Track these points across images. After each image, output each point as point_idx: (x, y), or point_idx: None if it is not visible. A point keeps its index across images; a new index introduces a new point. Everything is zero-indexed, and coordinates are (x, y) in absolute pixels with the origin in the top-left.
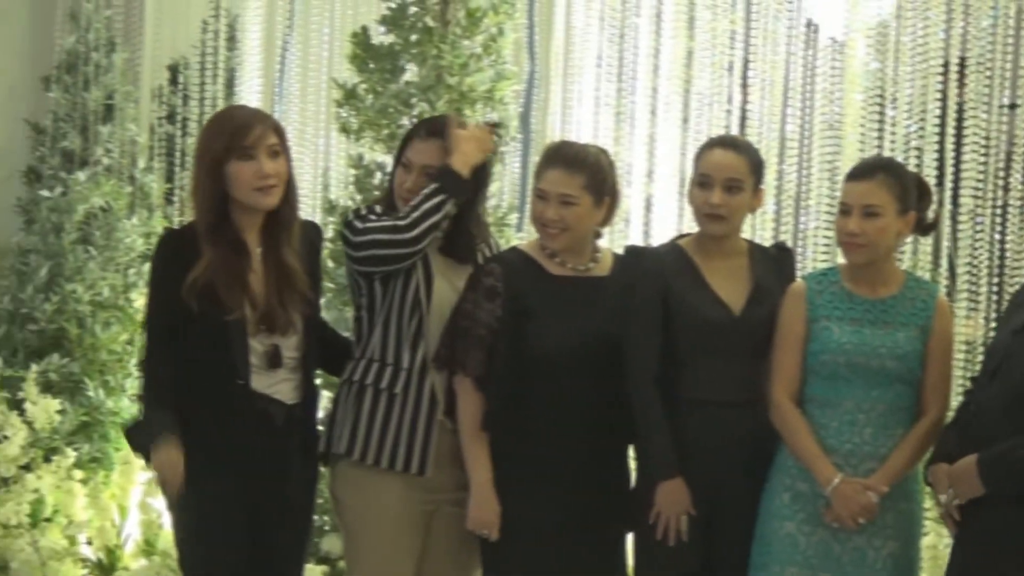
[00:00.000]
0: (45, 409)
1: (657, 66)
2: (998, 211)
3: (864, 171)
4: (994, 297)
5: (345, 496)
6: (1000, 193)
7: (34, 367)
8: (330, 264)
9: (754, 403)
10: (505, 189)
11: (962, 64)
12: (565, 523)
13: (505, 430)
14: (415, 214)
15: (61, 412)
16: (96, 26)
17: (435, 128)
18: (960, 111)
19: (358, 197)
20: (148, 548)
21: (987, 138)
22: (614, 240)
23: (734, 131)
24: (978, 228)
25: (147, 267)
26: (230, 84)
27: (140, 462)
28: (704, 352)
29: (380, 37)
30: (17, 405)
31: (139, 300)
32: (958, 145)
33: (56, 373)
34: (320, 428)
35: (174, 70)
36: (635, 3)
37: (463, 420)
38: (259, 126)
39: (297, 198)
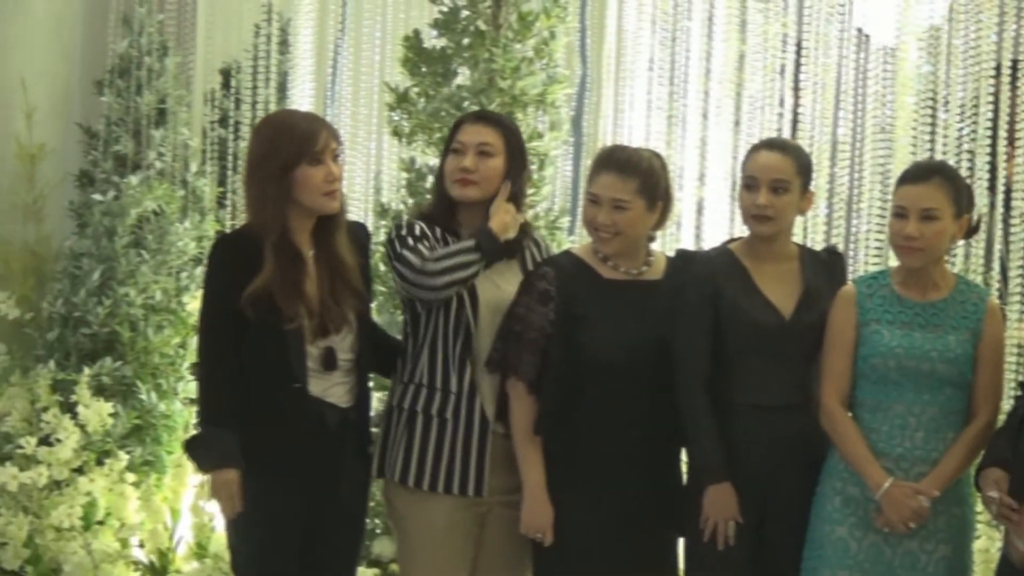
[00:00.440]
0: (98, 412)
1: (709, 69)
2: None
3: (920, 174)
4: None
5: (399, 505)
6: None
7: (87, 370)
8: (381, 267)
9: (804, 407)
10: (556, 193)
11: (1014, 66)
12: (617, 526)
13: (558, 433)
14: (446, 263)
15: (114, 415)
16: (149, 30)
17: (483, 114)
18: (1012, 114)
19: (410, 201)
20: (200, 551)
21: None
22: (666, 243)
23: (786, 134)
24: None
25: (199, 271)
26: (282, 88)
27: (192, 466)
28: (754, 356)
29: (432, 41)
30: (70, 408)
31: (191, 304)
32: (1010, 148)
33: (109, 376)
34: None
35: (226, 74)
36: (687, 6)
37: (516, 424)
38: (324, 131)
39: (346, 198)
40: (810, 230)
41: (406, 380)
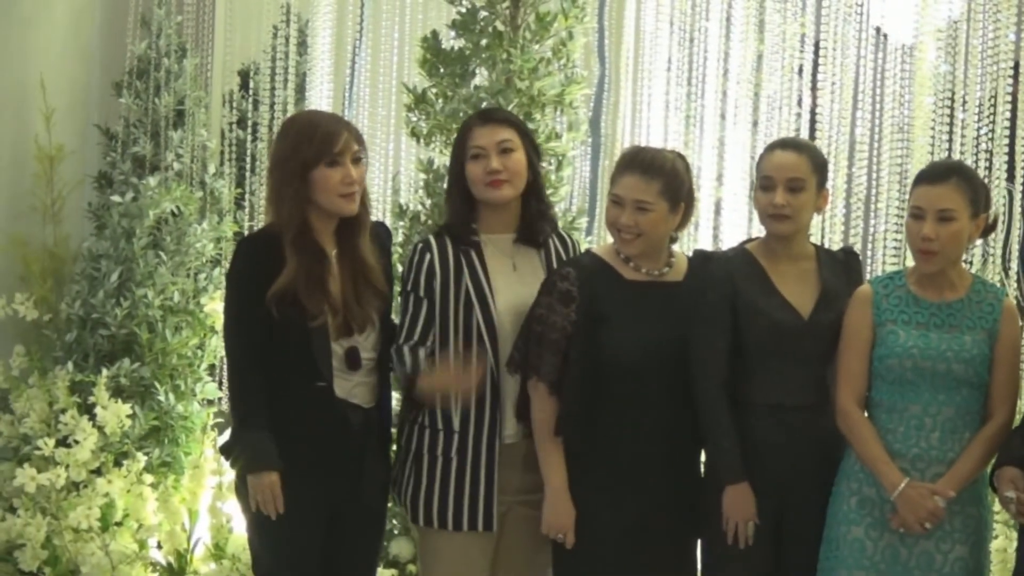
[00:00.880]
0: (116, 414)
1: (727, 70)
2: None
3: (938, 174)
4: None
5: (416, 536)
6: None
7: (105, 372)
8: (399, 268)
9: (822, 407)
10: (575, 193)
11: None
12: (638, 526)
13: (580, 434)
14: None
15: (131, 416)
16: (167, 32)
17: (489, 115)
18: None
19: (428, 202)
20: (218, 552)
21: None
22: (684, 244)
23: (804, 134)
24: None
25: (217, 272)
26: (300, 89)
27: (210, 466)
28: (772, 356)
29: (450, 41)
30: (88, 410)
31: (209, 305)
32: None
33: (127, 378)
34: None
35: (245, 75)
36: (705, 7)
37: (537, 425)
38: (345, 133)
39: (369, 203)
40: (828, 230)
41: (411, 418)
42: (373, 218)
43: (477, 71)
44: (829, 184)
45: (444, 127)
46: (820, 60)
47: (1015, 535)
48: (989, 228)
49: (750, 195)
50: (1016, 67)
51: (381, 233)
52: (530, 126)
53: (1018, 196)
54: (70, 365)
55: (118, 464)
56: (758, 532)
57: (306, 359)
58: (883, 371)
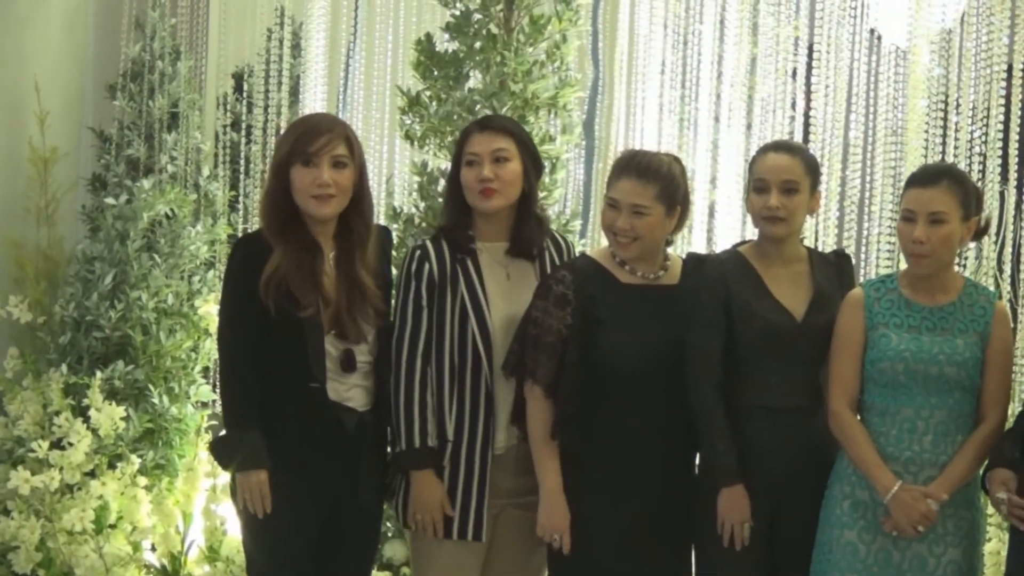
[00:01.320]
0: (110, 416)
1: (720, 72)
2: None
3: (929, 177)
4: None
5: (408, 540)
6: None
7: (99, 374)
8: (394, 272)
9: (815, 409)
10: (569, 196)
11: None
12: (634, 529)
13: (576, 436)
14: (401, 417)
15: (125, 419)
16: (161, 34)
17: (489, 122)
18: None
19: (421, 204)
20: (212, 554)
21: None
22: (678, 246)
23: (797, 137)
24: None
25: (211, 274)
26: (295, 92)
27: (204, 469)
28: (766, 358)
29: (444, 44)
30: (82, 412)
31: (203, 307)
32: (1022, 150)
33: (121, 380)
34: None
35: (239, 78)
36: (698, 10)
37: (533, 428)
38: (327, 135)
39: (372, 211)
40: (822, 233)
41: None
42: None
43: (471, 74)
44: (823, 187)
45: (438, 130)
46: (814, 63)
47: (1008, 537)
48: (981, 231)
49: (744, 198)
50: (1009, 71)
51: (384, 238)
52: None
53: (1011, 199)
54: (64, 367)
55: (112, 466)
56: (753, 534)
57: (300, 359)
58: (875, 374)
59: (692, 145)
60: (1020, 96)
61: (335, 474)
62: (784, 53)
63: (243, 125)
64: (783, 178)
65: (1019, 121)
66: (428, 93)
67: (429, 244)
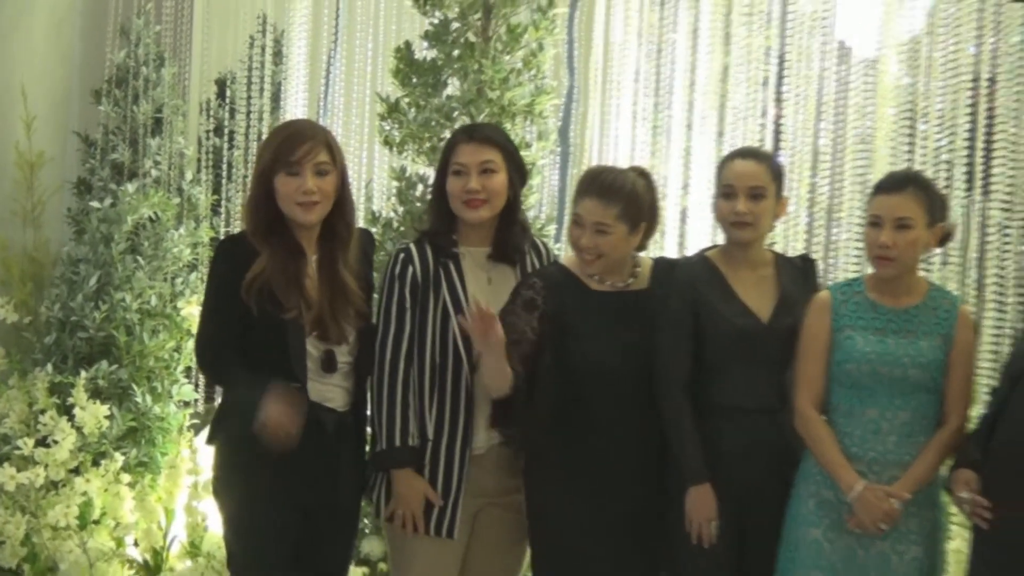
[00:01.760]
0: (94, 414)
1: (693, 81)
2: None
3: (895, 184)
4: (1020, 307)
5: (387, 534)
6: None
7: (83, 373)
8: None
9: (782, 410)
10: (544, 201)
11: (992, 79)
12: (611, 527)
13: (553, 438)
14: (384, 417)
15: (109, 417)
16: (146, 41)
17: (477, 133)
18: (990, 125)
19: (400, 208)
20: (193, 550)
21: (1016, 151)
22: (650, 250)
23: (768, 145)
24: (1006, 239)
25: (194, 276)
26: (276, 98)
27: (186, 466)
28: (734, 360)
29: (423, 52)
30: (67, 410)
31: (186, 308)
32: (988, 158)
33: (105, 379)
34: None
35: (221, 84)
36: (672, 19)
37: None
38: (309, 143)
39: (354, 214)
40: (791, 238)
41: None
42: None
43: (449, 81)
44: (793, 193)
45: (417, 136)
46: (785, 72)
47: (970, 536)
48: (946, 237)
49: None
50: (975, 80)
51: (365, 241)
52: None
53: (977, 206)
54: (49, 367)
55: (96, 464)
56: (720, 532)
57: (282, 360)
58: (841, 376)
59: (665, 152)
60: (986, 105)
61: (315, 473)
62: (756, 62)
63: (226, 130)
64: (750, 184)
65: (984, 130)
66: (407, 100)
67: (413, 247)
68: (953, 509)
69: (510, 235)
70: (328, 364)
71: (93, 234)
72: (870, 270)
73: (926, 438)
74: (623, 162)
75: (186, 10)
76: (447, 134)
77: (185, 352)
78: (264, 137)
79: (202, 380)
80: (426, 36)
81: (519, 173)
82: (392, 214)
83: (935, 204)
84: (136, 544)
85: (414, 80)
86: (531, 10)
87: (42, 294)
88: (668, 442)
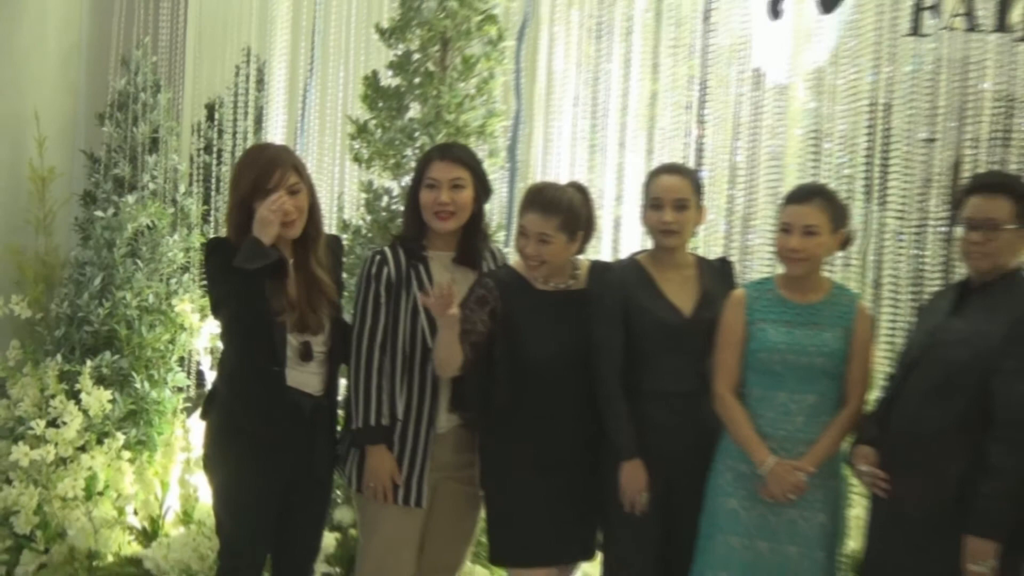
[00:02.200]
0: (98, 399)
1: (625, 105)
2: (917, 230)
3: (803, 195)
4: (913, 304)
5: (357, 504)
6: (919, 215)
7: (89, 363)
8: (344, 275)
9: (703, 394)
10: (495, 211)
11: (887, 104)
12: (556, 497)
13: (506, 425)
14: (360, 399)
15: (112, 401)
16: (144, 70)
17: (447, 151)
18: (886, 144)
19: (368, 217)
20: (186, 518)
21: (908, 167)
22: (588, 253)
23: (691, 161)
24: (900, 244)
25: (186, 277)
26: (259, 120)
27: (180, 444)
28: (660, 350)
29: (388, 80)
30: (74, 395)
31: (180, 305)
32: (884, 173)
33: (108, 368)
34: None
35: (211, 108)
36: (607, 51)
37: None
38: (279, 169)
39: (322, 219)
40: (711, 243)
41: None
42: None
43: (411, 105)
44: (713, 204)
45: (383, 153)
46: (706, 97)
47: (868, 504)
48: (847, 241)
49: (642, 213)
50: (872, 105)
51: (334, 245)
52: None
53: (875, 215)
54: (59, 357)
55: (100, 442)
56: (650, 503)
57: (267, 344)
58: (755, 363)
59: (600, 167)
60: (882, 127)
61: (293, 451)
62: (680, 89)
63: (214, 149)
64: (675, 196)
65: (881, 148)
66: (374, 122)
67: (388, 251)
68: (854, 480)
69: (474, 242)
70: (305, 354)
71: (97, 240)
72: (780, 270)
73: (829, 418)
74: (563, 177)
75: (179, 42)
76: (409, 151)
77: (179, 344)
78: (239, 160)
79: (193, 368)
80: (391, 66)
81: (484, 189)
82: (361, 222)
83: (838, 213)
84: (135, 513)
85: (380, 104)
86: (483, 43)
87: (52, 293)
88: (603, 423)
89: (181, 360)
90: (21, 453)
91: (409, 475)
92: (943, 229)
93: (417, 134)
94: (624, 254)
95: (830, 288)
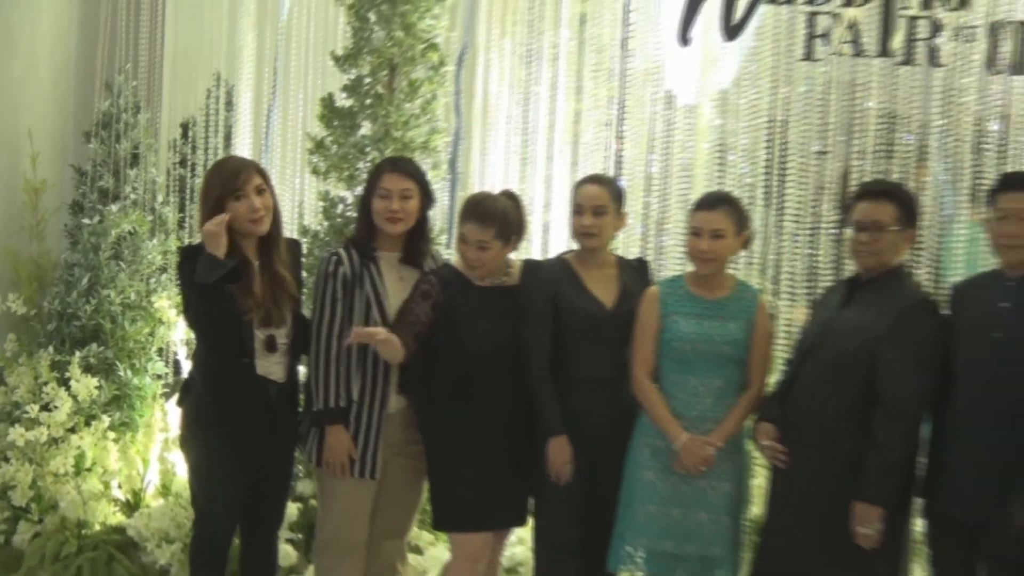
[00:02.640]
0: (86, 386)
1: (553, 123)
2: (810, 232)
3: (711, 202)
4: (807, 298)
5: (317, 477)
6: (812, 218)
7: (78, 354)
8: (304, 274)
9: (623, 379)
10: (438, 217)
11: (784, 121)
12: (493, 471)
13: (447, 406)
14: (320, 384)
15: (98, 388)
16: (125, 93)
17: (397, 164)
18: (783, 156)
19: (325, 223)
20: (164, 491)
21: (803, 177)
22: (521, 254)
23: (611, 173)
24: (796, 245)
25: (164, 277)
26: (228, 137)
27: (159, 426)
28: (584, 340)
29: (342, 101)
30: (65, 383)
31: (158, 302)
32: (782, 182)
33: (94, 358)
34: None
35: (185, 127)
36: (536, 75)
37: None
38: (245, 172)
39: (282, 222)
40: (630, 244)
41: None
42: (286, 235)
43: (363, 123)
44: (631, 210)
45: (338, 166)
46: (624, 116)
47: (769, 474)
48: (749, 242)
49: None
50: (771, 121)
51: (294, 248)
52: None
53: (773, 219)
54: (51, 348)
55: (88, 424)
56: (575, 475)
57: (237, 341)
58: (668, 352)
59: (531, 178)
60: (779, 141)
61: (260, 432)
62: (601, 108)
63: (189, 163)
64: (594, 203)
65: (779, 160)
66: (330, 138)
67: (342, 252)
68: (756, 453)
69: (418, 244)
70: (270, 345)
71: (85, 244)
72: (691, 269)
73: (734, 399)
74: (498, 186)
75: (157, 69)
76: (361, 165)
77: (158, 336)
78: (208, 171)
79: (171, 358)
80: (344, 89)
81: (428, 198)
82: (319, 227)
83: (741, 218)
84: (119, 487)
85: (335, 123)
86: (426, 68)
87: (45, 292)
88: (533, 404)
89: (160, 351)
90: (17, 434)
91: (364, 451)
92: (834, 231)
93: (368, 149)
94: (552, 254)
95: (734, 285)
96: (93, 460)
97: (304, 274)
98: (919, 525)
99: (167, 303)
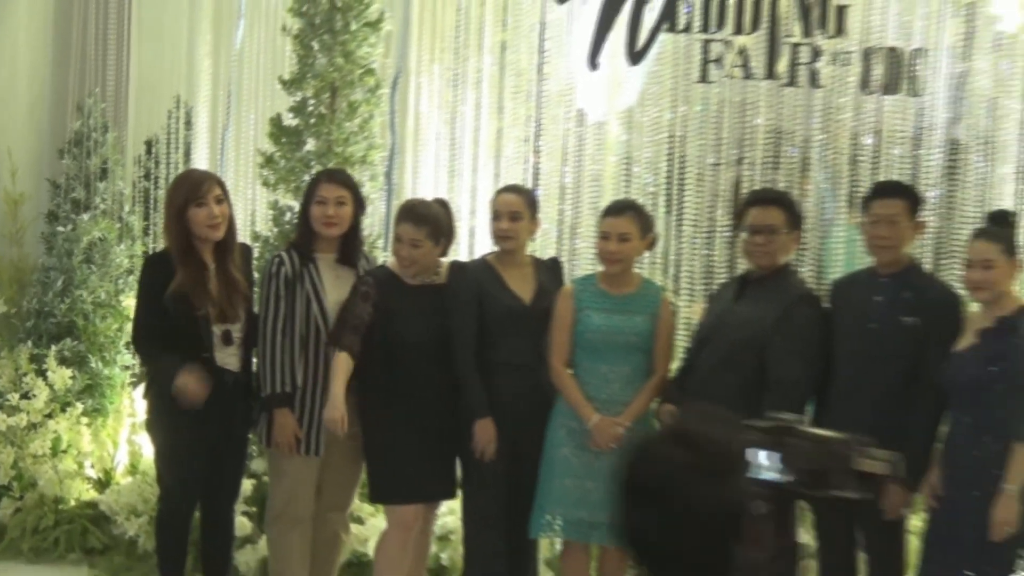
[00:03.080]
0: (61, 376)
1: (477, 139)
2: (707, 235)
3: (618, 209)
4: (704, 293)
5: (268, 456)
6: (708, 223)
7: (54, 347)
8: (256, 275)
9: (540, 366)
10: (375, 224)
11: (683, 136)
12: (424, 449)
13: (383, 392)
14: (267, 372)
15: (72, 378)
16: (95, 114)
17: (332, 174)
18: (682, 168)
19: (275, 230)
20: (133, 469)
21: (699, 186)
22: (449, 255)
23: (529, 183)
24: (694, 247)
25: (131, 279)
26: (188, 153)
27: (127, 411)
28: (506, 331)
29: (289, 120)
30: (42, 373)
31: (126, 301)
32: (681, 191)
33: (69, 351)
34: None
35: (149, 144)
36: (462, 97)
37: (335, 371)
38: (207, 183)
39: (236, 229)
40: (545, 246)
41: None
42: (240, 240)
43: (308, 140)
44: (546, 216)
45: (286, 179)
46: (540, 132)
47: None
48: (653, 244)
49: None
50: (671, 137)
51: (246, 252)
52: None
53: (673, 223)
54: (30, 343)
55: (63, 410)
56: (498, 452)
57: (196, 339)
58: (581, 342)
59: (458, 188)
60: (678, 154)
61: (218, 415)
62: (520, 126)
63: (152, 176)
64: (510, 210)
65: (678, 171)
66: (279, 154)
67: (284, 254)
68: None
69: (353, 247)
70: (227, 339)
71: (59, 250)
72: (601, 269)
73: (641, 384)
74: (429, 195)
75: (123, 92)
76: (306, 177)
77: (125, 332)
78: (172, 182)
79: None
80: (291, 109)
81: (360, 205)
82: (269, 234)
83: (646, 222)
84: (92, 466)
85: (283, 140)
86: (364, 91)
87: (24, 292)
88: (461, 389)
89: (127, 344)
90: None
91: (308, 431)
92: (727, 234)
93: (313, 164)
94: (477, 255)
95: (640, 282)
96: (68, 443)
97: (257, 275)
98: None
99: (133, 302)
